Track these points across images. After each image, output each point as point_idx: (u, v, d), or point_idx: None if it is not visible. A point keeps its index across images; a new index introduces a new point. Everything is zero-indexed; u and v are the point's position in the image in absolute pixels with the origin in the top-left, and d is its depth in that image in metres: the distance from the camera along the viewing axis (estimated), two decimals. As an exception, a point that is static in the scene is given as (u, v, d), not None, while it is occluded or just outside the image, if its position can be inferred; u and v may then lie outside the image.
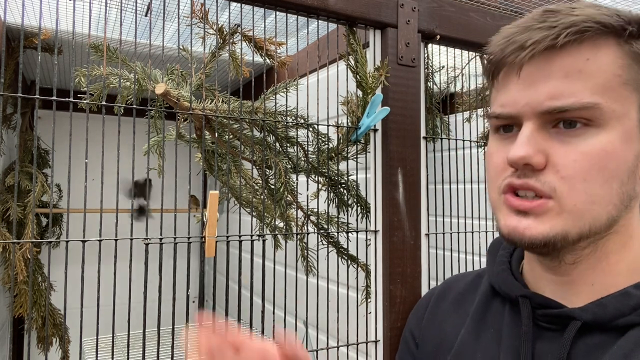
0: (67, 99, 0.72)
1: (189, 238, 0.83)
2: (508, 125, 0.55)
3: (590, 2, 0.53)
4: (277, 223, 0.99)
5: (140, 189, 2.14)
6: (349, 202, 1.04)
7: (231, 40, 0.94)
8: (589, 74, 0.49)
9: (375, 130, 0.96)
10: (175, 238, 0.79)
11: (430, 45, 1.06)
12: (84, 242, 0.73)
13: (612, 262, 0.54)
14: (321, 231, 1.07)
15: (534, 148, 0.50)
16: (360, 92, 0.96)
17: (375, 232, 0.95)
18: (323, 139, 1.03)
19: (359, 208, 1.05)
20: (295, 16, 0.90)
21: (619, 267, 0.54)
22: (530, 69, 0.51)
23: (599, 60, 0.50)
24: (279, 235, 1.06)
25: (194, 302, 2.79)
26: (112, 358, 0.75)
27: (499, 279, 0.63)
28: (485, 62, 0.57)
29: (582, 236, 0.51)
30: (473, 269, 1.20)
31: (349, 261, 1.04)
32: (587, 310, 0.53)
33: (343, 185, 1.05)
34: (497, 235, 0.61)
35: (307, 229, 1.10)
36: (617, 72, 0.50)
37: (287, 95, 0.98)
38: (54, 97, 0.71)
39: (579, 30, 0.49)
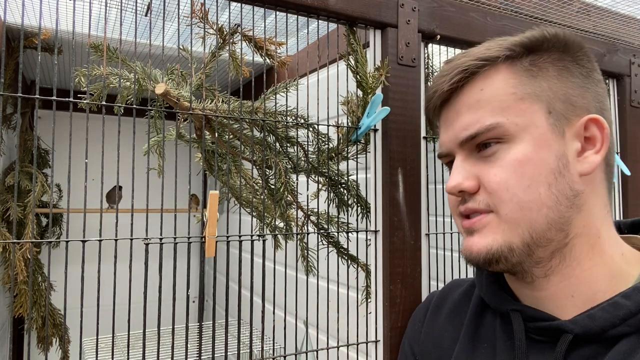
0: (67, 99, 0.72)
1: (189, 238, 0.83)
2: (451, 163, 0.61)
3: (490, 41, 0.59)
4: (277, 223, 0.99)
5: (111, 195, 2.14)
6: (349, 202, 1.04)
7: (231, 40, 0.94)
8: (486, 100, 0.56)
9: (375, 130, 0.96)
10: (175, 238, 0.79)
11: (430, 45, 1.06)
12: (84, 242, 0.73)
13: (586, 268, 0.54)
14: (321, 231, 1.07)
15: (463, 175, 0.57)
16: (360, 92, 0.96)
17: (376, 232, 0.95)
18: (323, 139, 1.03)
19: (359, 208, 1.05)
20: (295, 16, 0.90)
21: (595, 272, 0.54)
22: (445, 113, 0.60)
23: (492, 86, 0.56)
24: (279, 235, 1.06)
25: (194, 302, 2.79)
26: (112, 358, 0.75)
27: (489, 292, 0.63)
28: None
29: (529, 244, 0.53)
30: (473, 269, 1.20)
31: (349, 261, 1.04)
32: (577, 322, 0.52)
33: (343, 185, 1.05)
34: None
35: (307, 229, 1.10)
36: (510, 91, 0.55)
37: (287, 95, 0.98)
38: (54, 97, 0.71)
39: (461, 71, 0.57)
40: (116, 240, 0.76)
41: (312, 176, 1.03)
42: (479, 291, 0.66)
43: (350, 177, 1.04)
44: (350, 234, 1.04)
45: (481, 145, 0.56)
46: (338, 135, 1.01)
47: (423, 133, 0.98)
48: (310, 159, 1.02)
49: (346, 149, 1.00)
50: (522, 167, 0.53)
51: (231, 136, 1.00)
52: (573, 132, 0.55)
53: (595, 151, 0.55)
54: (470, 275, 1.06)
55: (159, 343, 0.78)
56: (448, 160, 0.62)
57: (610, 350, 0.50)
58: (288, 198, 0.99)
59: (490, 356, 0.60)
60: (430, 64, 1.24)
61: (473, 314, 0.66)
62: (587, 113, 0.55)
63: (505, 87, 0.55)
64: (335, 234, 1.07)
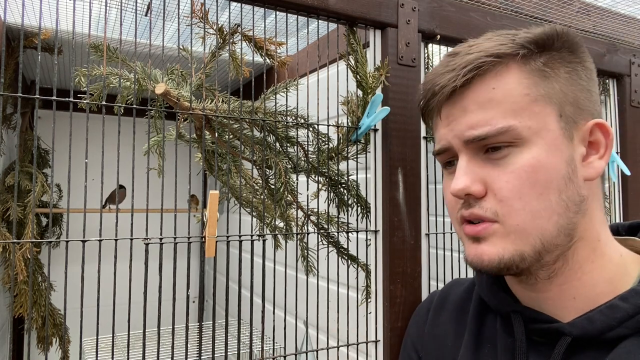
0: (67, 99, 0.72)
1: (189, 238, 0.83)
2: (450, 162, 0.59)
3: (492, 34, 0.57)
4: (277, 223, 0.99)
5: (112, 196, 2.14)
6: (349, 202, 1.04)
7: (231, 40, 0.94)
8: (498, 101, 0.53)
9: (375, 130, 0.96)
10: (175, 238, 0.79)
11: (430, 45, 1.06)
12: (84, 242, 0.73)
13: (587, 271, 0.54)
14: (321, 231, 1.07)
15: (471, 178, 0.54)
16: (360, 92, 0.96)
17: (376, 232, 0.95)
18: (323, 139, 1.03)
19: (359, 208, 1.05)
20: (295, 16, 0.90)
21: (595, 276, 0.54)
22: (448, 109, 0.56)
23: (504, 86, 0.53)
24: (279, 235, 1.06)
25: (194, 302, 2.79)
26: (112, 358, 0.75)
27: (490, 293, 0.63)
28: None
29: (539, 251, 0.52)
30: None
31: (349, 261, 1.04)
32: (576, 325, 0.53)
33: (343, 185, 1.05)
34: None
35: (307, 229, 1.10)
36: (524, 92, 0.53)
37: (287, 95, 0.98)
38: (54, 97, 0.71)
39: (474, 67, 0.53)
40: (116, 240, 0.76)
41: (312, 176, 1.03)
42: (480, 292, 0.66)
43: (350, 177, 1.04)
44: (350, 234, 1.04)
45: (489, 147, 0.53)
46: (338, 135, 1.01)
47: (423, 133, 0.98)
48: (310, 159, 1.02)
49: (346, 149, 1.00)
50: (535, 173, 0.51)
51: (231, 136, 1.00)
52: (580, 136, 0.54)
53: (599, 156, 0.55)
54: (471, 275, 1.06)
55: (159, 343, 0.78)
56: (446, 157, 0.59)
57: (610, 353, 0.50)
58: (288, 198, 0.99)
59: (493, 356, 0.60)
60: (430, 64, 1.24)
61: (475, 313, 0.66)
62: (591, 117, 0.55)
63: (518, 87, 0.53)
64: (335, 234, 1.07)
